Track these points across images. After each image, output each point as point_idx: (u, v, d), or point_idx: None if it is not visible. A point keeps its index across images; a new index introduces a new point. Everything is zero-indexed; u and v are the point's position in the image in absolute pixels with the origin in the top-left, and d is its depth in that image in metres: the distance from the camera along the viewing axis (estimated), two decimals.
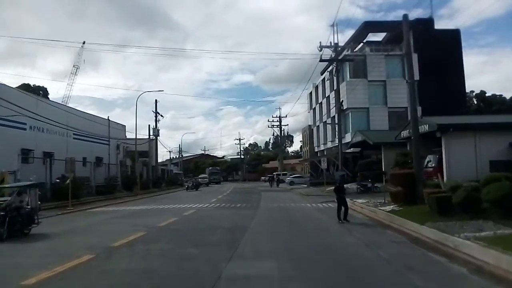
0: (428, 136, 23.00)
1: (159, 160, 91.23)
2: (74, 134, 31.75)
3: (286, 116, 68.30)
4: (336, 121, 32.83)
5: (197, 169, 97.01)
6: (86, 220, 15.32)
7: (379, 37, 52.77)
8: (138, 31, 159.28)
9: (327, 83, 52.84)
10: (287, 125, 67.21)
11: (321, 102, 56.08)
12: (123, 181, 33.83)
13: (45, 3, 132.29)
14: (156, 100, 45.13)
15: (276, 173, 67.08)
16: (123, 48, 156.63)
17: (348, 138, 44.99)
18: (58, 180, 22.04)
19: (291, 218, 14.96)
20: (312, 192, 30.85)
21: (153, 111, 44.53)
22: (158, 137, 44.94)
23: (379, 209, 14.24)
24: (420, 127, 24.02)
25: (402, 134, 27.16)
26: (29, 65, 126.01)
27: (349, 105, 43.60)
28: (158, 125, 44.88)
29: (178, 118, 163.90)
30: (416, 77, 47.01)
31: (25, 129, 25.87)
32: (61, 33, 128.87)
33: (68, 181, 20.07)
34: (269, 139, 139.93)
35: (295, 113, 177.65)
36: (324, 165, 31.23)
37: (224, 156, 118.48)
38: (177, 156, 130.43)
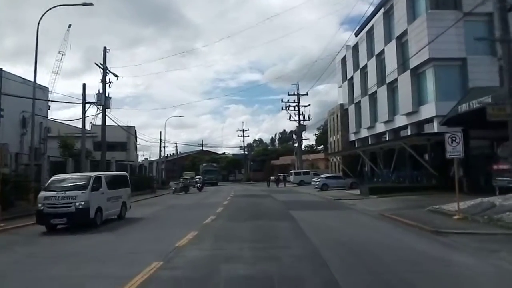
0: None
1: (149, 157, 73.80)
2: None
3: (306, 94, 49.72)
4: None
5: (194, 166, 79.70)
6: None
7: None
8: (150, 28, 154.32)
9: (379, 31, 34.41)
10: (309, 105, 48.72)
11: (366, 64, 37.73)
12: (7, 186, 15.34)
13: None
14: (105, 48, 26.93)
15: (295, 171, 49.02)
16: (134, 46, 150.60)
17: (427, 111, 26.75)
18: None
19: None
20: (415, 215, 12.68)
21: (98, 64, 26.25)
22: (107, 110, 26.60)
23: None
24: None
25: None
26: (38, 63, 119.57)
27: (432, 54, 25.32)
28: (108, 89, 26.59)
29: (184, 116, 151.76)
30: None
31: None
32: (72, 30, 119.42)
33: None
34: (275, 135, 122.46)
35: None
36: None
37: (224, 152, 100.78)
38: (173, 153, 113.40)
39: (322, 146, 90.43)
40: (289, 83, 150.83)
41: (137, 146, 72.55)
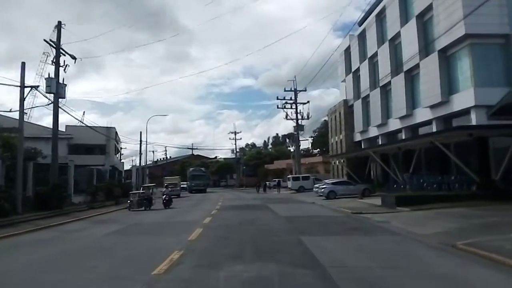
0: None
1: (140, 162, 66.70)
2: None
3: (305, 90, 44.42)
4: None
5: (184, 171, 74.63)
6: None
7: None
8: (144, 34, 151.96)
9: (393, 11, 29.30)
10: (308, 102, 43.09)
11: (376, 52, 32.60)
12: None
13: (50, 6, 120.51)
14: (59, 23, 21.37)
15: (293, 176, 43.54)
16: (127, 51, 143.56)
17: (461, 101, 21.55)
18: None
19: None
20: None
21: (48, 41, 20.68)
22: (61, 100, 20.99)
23: None
24: None
25: None
26: (32, 69, 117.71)
27: (468, 30, 20.23)
28: (63, 72, 21.02)
29: (178, 121, 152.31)
30: None
31: None
32: (65, 36, 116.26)
33: None
34: (268, 138, 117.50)
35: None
36: None
37: (216, 156, 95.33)
38: (163, 158, 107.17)
39: (318, 149, 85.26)
40: (282, 88, 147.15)
41: (120, 149, 66.62)
